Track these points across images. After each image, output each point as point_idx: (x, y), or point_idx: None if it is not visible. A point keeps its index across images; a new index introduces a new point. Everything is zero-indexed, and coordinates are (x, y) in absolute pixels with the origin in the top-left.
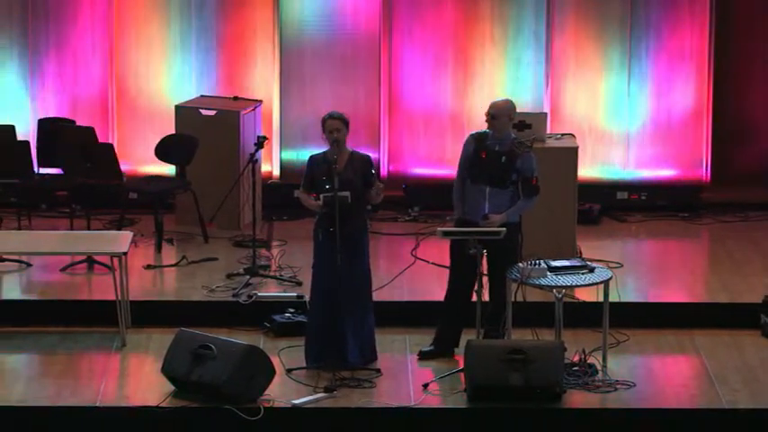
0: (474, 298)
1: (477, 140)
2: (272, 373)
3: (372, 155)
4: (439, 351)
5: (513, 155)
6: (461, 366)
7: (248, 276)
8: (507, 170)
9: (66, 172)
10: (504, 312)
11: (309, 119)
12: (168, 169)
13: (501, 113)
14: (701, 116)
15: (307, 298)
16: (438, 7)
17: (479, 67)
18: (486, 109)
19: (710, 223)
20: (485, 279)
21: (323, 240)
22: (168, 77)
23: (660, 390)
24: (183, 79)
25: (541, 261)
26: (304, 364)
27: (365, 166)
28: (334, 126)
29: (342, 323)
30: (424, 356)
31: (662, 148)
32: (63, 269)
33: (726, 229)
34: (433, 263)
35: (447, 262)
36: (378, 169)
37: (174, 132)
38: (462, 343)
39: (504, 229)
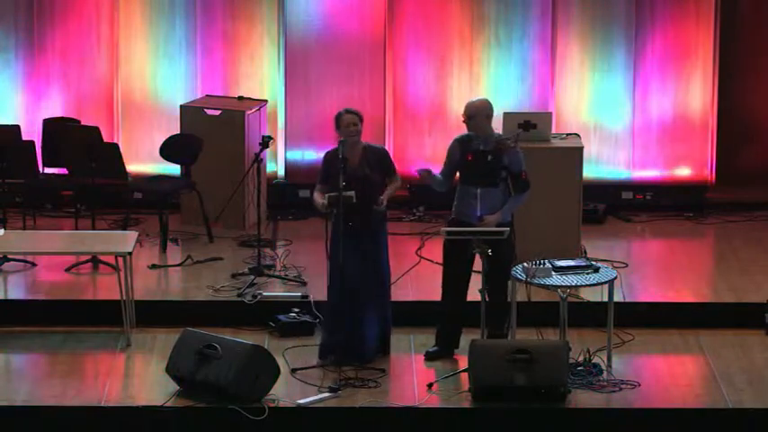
0: (469, 298)
1: (462, 144)
2: (276, 372)
3: None
4: (443, 351)
5: (498, 152)
6: (465, 366)
7: (253, 276)
8: (495, 168)
9: (72, 172)
10: (507, 312)
11: (314, 119)
12: (173, 169)
13: (477, 113)
14: (706, 116)
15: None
16: (443, 7)
17: (484, 68)
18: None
19: (716, 223)
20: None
21: (344, 237)
22: (173, 77)
23: (665, 390)
24: (188, 79)
25: (546, 261)
26: (309, 364)
27: (382, 158)
28: (352, 121)
29: (359, 321)
30: (430, 357)
31: (667, 147)
32: (68, 269)
33: (731, 229)
34: (438, 262)
35: None
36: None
37: (179, 132)
38: (465, 343)
39: (508, 229)
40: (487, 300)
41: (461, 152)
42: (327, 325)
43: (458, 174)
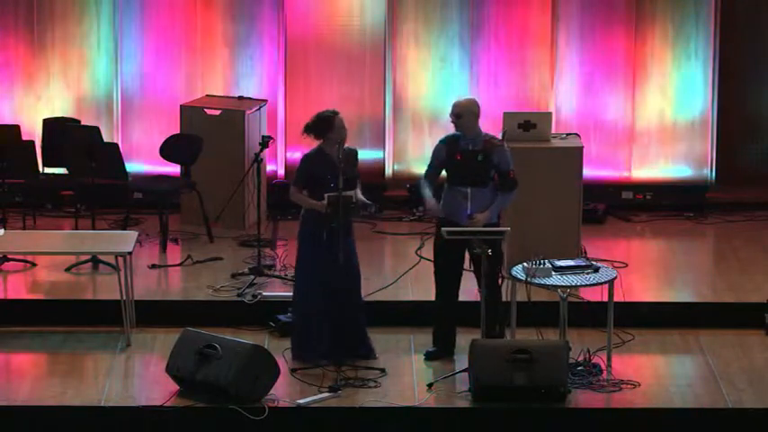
0: (466, 297)
1: (448, 144)
2: (276, 372)
3: (377, 155)
4: (442, 351)
5: (488, 152)
6: (465, 366)
7: (253, 276)
8: (485, 168)
9: (72, 172)
10: (499, 310)
11: None
12: (173, 169)
13: (465, 111)
14: (706, 115)
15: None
16: (443, 7)
17: (484, 68)
18: (492, 110)
19: (716, 223)
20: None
21: (326, 239)
22: (173, 77)
23: (665, 389)
24: (188, 79)
25: (546, 261)
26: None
27: (353, 159)
28: (343, 123)
29: (344, 320)
30: (429, 357)
31: (667, 147)
32: (68, 269)
33: (731, 229)
34: None
35: None
36: (382, 168)
37: (179, 132)
38: (465, 343)
39: (508, 228)
40: (479, 299)
41: (448, 152)
42: (305, 324)
43: (444, 173)
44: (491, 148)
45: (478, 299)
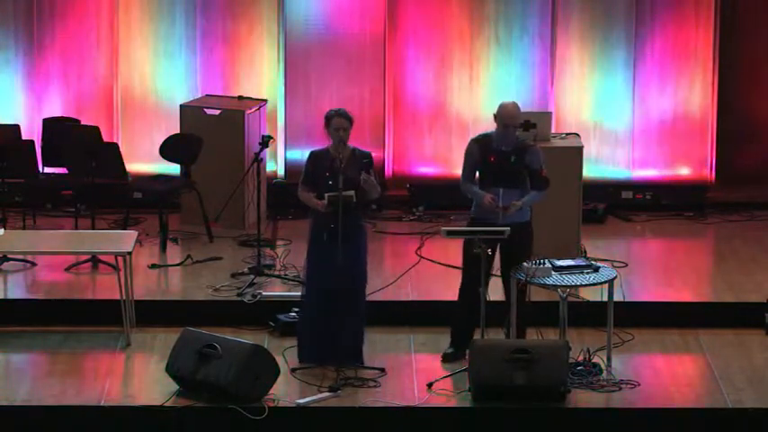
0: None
1: (481, 145)
2: (276, 372)
3: (377, 154)
4: (461, 352)
5: (520, 153)
6: (465, 366)
7: (253, 276)
8: (519, 169)
9: (71, 171)
10: (528, 311)
11: (314, 118)
12: (173, 169)
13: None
14: (706, 115)
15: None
16: (443, 7)
17: (484, 67)
18: (492, 109)
19: (716, 222)
20: (497, 279)
21: (326, 240)
22: (173, 77)
23: (665, 389)
24: (187, 78)
25: (546, 260)
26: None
27: (365, 162)
28: (341, 125)
29: (341, 323)
30: (447, 359)
31: (667, 147)
32: (68, 269)
33: (731, 229)
34: (437, 262)
35: (452, 261)
36: (381, 168)
37: (178, 132)
38: None
39: (508, 228)
40: (488, 299)
41: (482, 153)
42: (306, 325)
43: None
44: (523, 149)
45: (500, 299)
